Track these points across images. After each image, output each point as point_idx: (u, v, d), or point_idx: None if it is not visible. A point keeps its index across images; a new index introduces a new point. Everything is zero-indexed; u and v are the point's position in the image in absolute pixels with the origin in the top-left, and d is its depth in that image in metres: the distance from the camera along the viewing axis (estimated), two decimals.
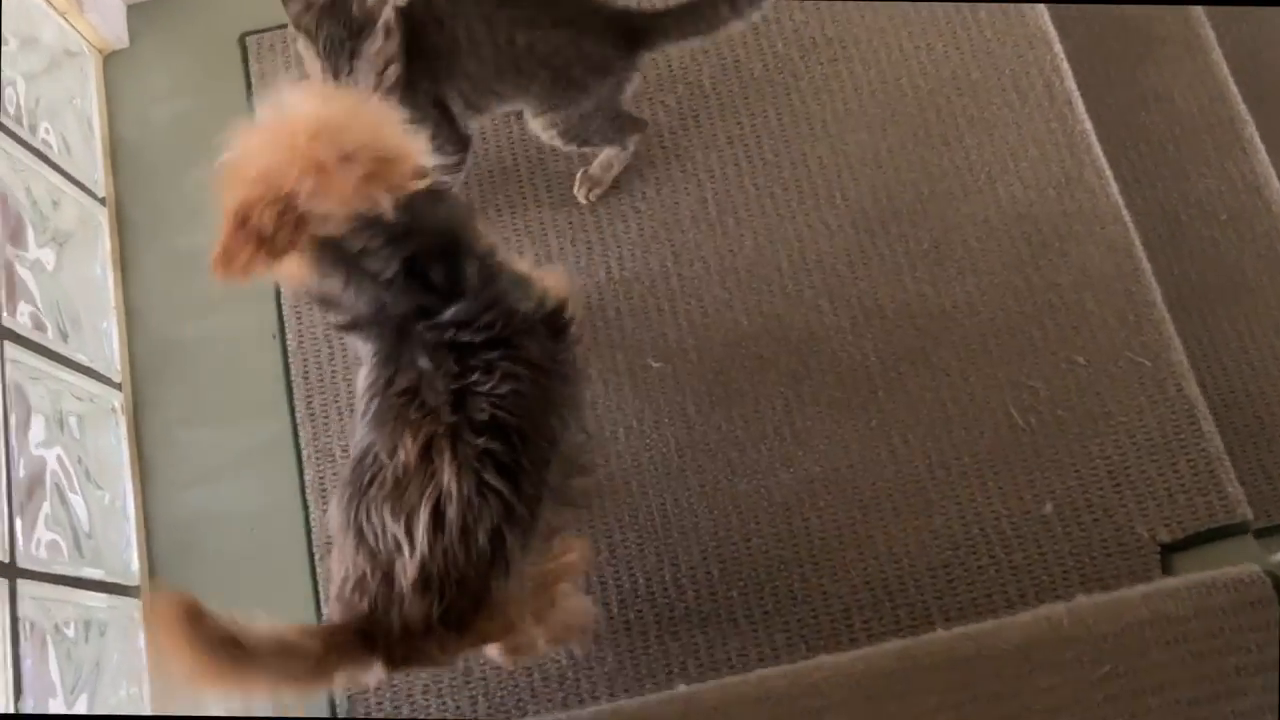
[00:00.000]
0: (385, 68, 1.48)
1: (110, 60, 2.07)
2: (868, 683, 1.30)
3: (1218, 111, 2.10)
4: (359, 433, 1.25)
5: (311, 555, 1.76)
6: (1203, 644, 1.28)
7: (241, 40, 2.06)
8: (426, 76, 1.57)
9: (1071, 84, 1.91)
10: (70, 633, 1.61)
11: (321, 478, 1.80)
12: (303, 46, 1.51)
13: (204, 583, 1.77)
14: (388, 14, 1.46)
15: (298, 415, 1.84)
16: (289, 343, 1.88)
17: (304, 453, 1.81)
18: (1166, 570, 1.63)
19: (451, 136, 1.67)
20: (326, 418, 1.83)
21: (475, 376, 1.18)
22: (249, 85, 2.03)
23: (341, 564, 1.21)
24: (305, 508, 1.79)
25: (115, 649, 1.68)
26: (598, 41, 1.60)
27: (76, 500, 1.71)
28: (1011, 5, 1.96)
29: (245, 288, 1.90)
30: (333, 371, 1.85)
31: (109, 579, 1.71)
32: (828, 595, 1.66)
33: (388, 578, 1.16)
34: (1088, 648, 1.29)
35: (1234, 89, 2.10)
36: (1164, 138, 2.09)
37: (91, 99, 2.02)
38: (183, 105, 2.05)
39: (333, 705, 1.68)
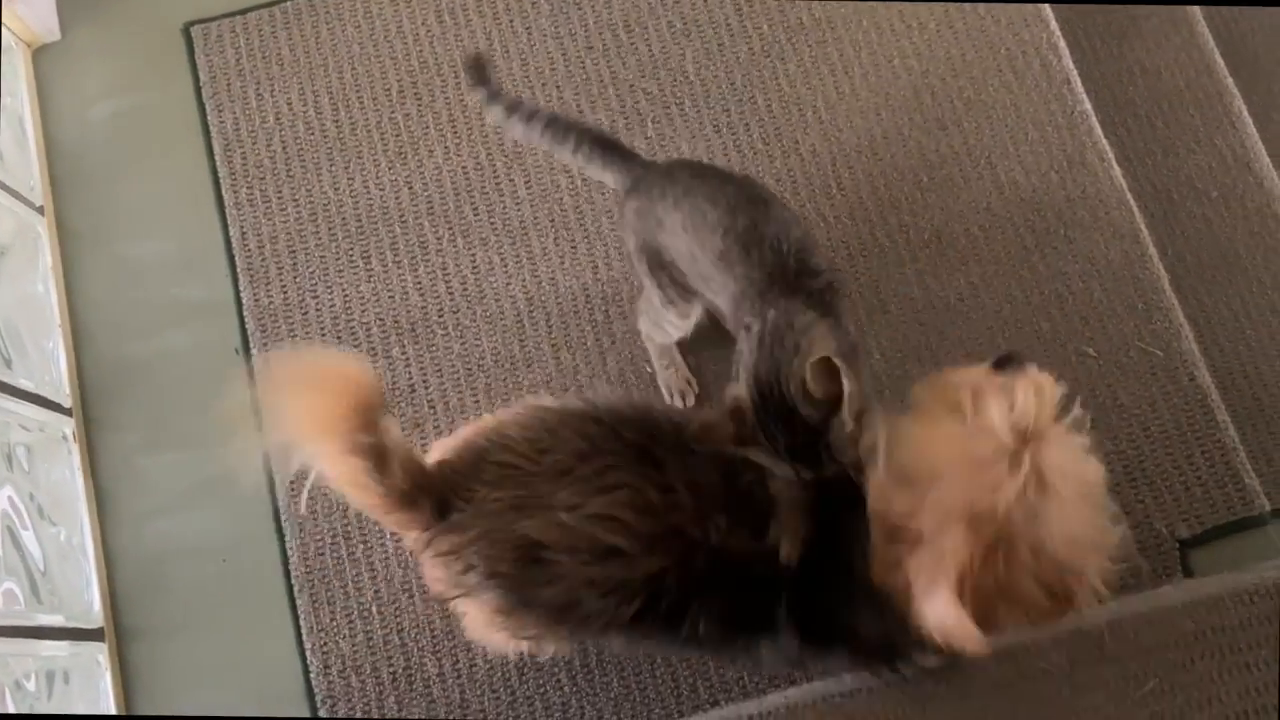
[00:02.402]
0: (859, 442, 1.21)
1: (41, 54, 1.91)
2: (906, 711, 1.23)
3: (1204, 85, 2.05)
4: None
5: (290, 584, 1.65)
6: (1250, 654, 1.23)
7: (186, 30, 1.91)
8: None
9: (1069, 62, 1.84)
10: (31, 686, 1.48)
11: (296, 502, 1.68)
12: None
13: (175, 620, 1.66)
14: (850, 392, 1.17)
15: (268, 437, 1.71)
16: (254, 359, 1.75)
17: (276, 478, 1.69)
18: (1186, 566, 1.59)
19: None
20: None
21: None
22: (196, 80, 1.88)
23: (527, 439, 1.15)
24: (280, 534, 1.67)
25: (80, 698, 1.56)
26: None
27: (29, 539, 1.57)
28: None
29: (202, 298, 1.81)
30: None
31: (69, 624, 1.58)
32: None
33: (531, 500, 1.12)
34: (1132, 665, 1.23)
35: (1220, 62, 2.05)
36: (1151, 113, 2.04)
37: (22, 98, 1.86)
38: (123, 103, 1.90)
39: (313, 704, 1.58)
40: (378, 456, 1.08)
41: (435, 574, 1.20)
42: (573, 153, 1.49)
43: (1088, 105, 1.82)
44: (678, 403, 1.64)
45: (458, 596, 1.21)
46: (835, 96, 1.83)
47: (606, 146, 1.49)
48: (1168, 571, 1.58)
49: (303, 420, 1.05)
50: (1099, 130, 1.81)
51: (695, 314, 1.52)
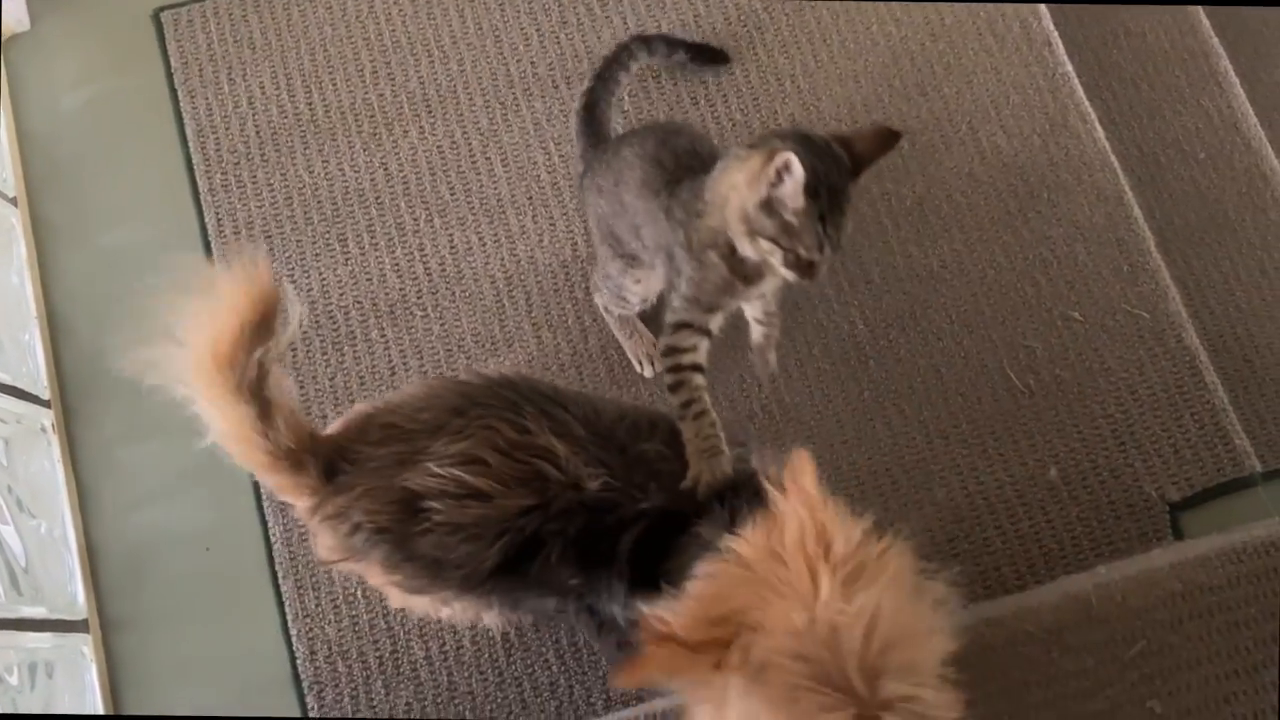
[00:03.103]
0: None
1: (10, 45, 1.88)
2: None
3: (1190, 46, 2.02)
4: None
5: (274, 570, 1.63)
6: (1238, 613, 1.22)
7: (156, 16, 1.88)
8: None
9: (1049, 24, 1.82)
10: (13, 680, 1.47)
11: None
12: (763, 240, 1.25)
13: (161, 610, 1.65)
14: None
15: None
16: None
17: None
18: (1176, 529, 1.57)
19: None
20: None
21: None
22: (168, 66, 1.86)
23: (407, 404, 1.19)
24: (263, 521, 1.65)
25: (65, 690, 1.55)
26: None
27: (9, 532, 1.56)
28: None
29: (187, 285, 1.79)
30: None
31: (52, 616, 1.56)
32: None
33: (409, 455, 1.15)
34: (1119, 626, 1.21)
35: (1205, 22, 2.03)
36: (1136, 76, 2.01)
37: None
38: (95, 91, 1.88)
39: (303, 705, 1.57)
40: (263, 405, 1.10)
41: (324, 540, 1.21)
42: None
43: (1069, 67, 1.80)
44: (646, 370, 1.65)
45: (346, 560, 1.22)
46: (814, 65, 1.81)
47: (584, 119, 1.56)
48: (1158, 535, 1.56)
49: (197, 334, 1.07)
50: (1081, 92, 1.79)
51: (655, 279, 1.52)
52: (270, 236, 1.77)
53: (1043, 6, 1.83)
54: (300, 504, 1.21)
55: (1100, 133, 1.77)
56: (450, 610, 1.39)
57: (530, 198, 1.77)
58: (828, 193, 1.21)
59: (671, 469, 1.20)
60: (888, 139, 1.29)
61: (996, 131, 1.76)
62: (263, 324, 1.08)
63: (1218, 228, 1.89)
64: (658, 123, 1.63)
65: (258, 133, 1.82)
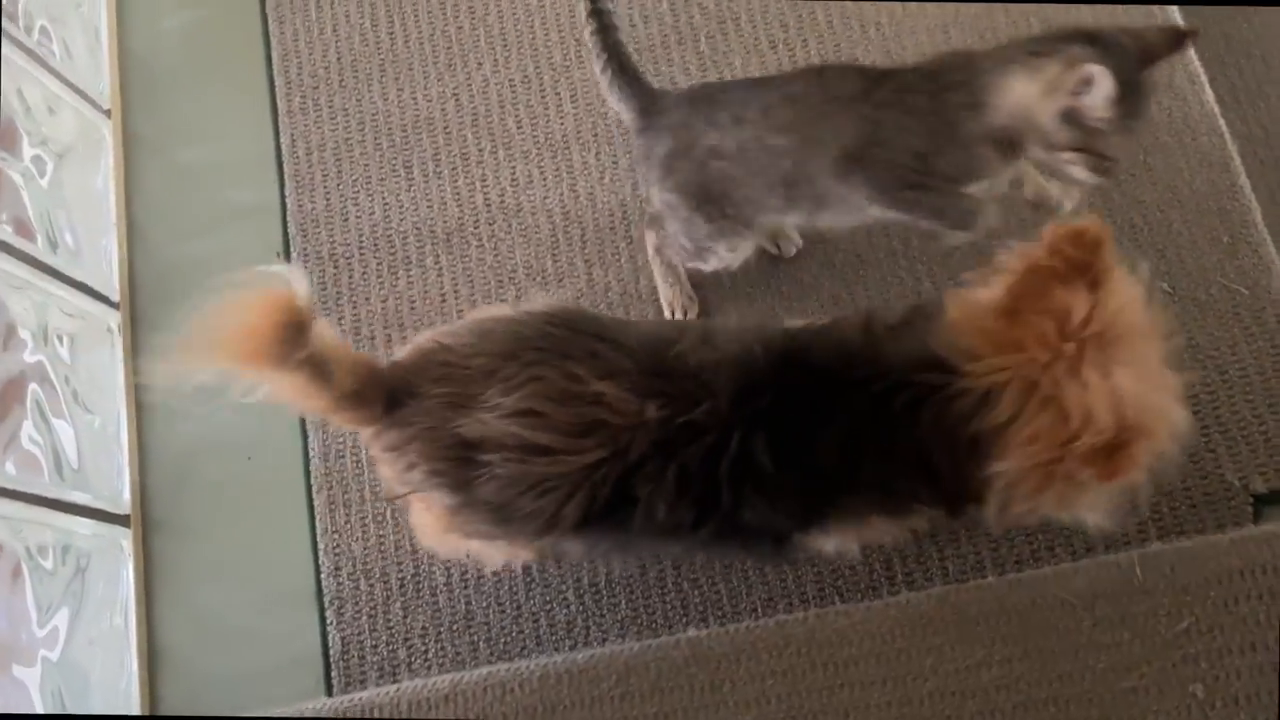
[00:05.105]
0: None
1: None
2: (902, 631, 1.13)
3: None
4: None
5: (309, 485, 1.64)
6: None
7: None
8: None
9: None
10: (47, 563, 1.51)
11: None
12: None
13: (199, 513, 1.67)
14: None
15: None
16: (294, 261, 1.75)
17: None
18: (1258, 524, 1.42)
19: None
20: None
21: None
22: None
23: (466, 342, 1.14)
24: (304, 435, 1.66)
25: (99, 580, 1.58)
26: None
27: (63, 426, 1.60)
28: None
29: (251, 202, 1.83)
30: (338, 294, 1.72)
31: (95, 504, 1.60)
32: (868, 544, 1.48)
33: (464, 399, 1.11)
34: (1165, 600, 1.09)
35: None
36: (1267, 53, 1.86)
37: (100, 6, 1.92)
38: (194, 14, 1.94)
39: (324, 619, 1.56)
40: (315, 366, 1.07)
41: (384, 471, 1.19)
42: (600, 70, 1.46)
43: (1179, 19, 1.66)
44: (678, 316, 1.58)
45: (406, 494, 1.19)
46: (901, 12, 1.72)
47: (628, 76, 1.44)
48: (1238, 527, 1.41)
49: (231, 353, 1.06)
50: (1192, 52, 1.65)
51: (746, 249, 1.48)
52: (339, 160, 1.79)
53: None
54: (363, 433, 1.19)
55: (1210, 95, 1.63)
56: (505, 554, 1.36)
57: (596, 135, 1.74)
58: (1129, 92, 1.15)
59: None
60: (1177, 39, 1.21)
61: None
62: (295, 330, 1.05)
63: None
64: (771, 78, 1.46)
65: (339, 59, 1.85)
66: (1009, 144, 1.25)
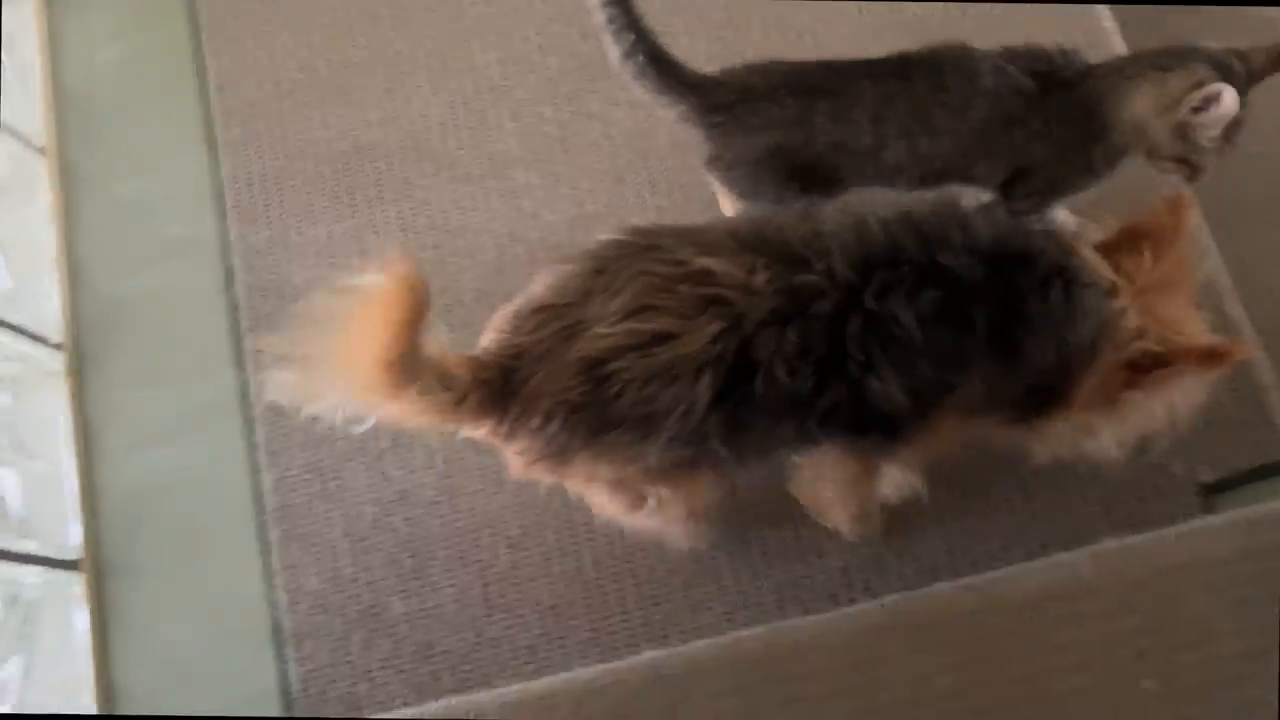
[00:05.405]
0: None
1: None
2: (856, 643, 1.13)
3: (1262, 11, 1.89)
4: None
5: (262, 521, 1.62)
6: (1249, 589, 1.09)
7: None
8: None
9: None
10: None
11: (274, 437, 1.65)
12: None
13: (153, 554, 1.65)
14: None
15: (248, 372, 1.69)
16: (238, 296, 1.74)
17: (255, 411, 1.67)
18: (1208, 514, 1.43)
19: None
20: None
21: None
22: (195, 23, 1.89)
23: (545, 286, 1.12)
24: (256, 469, 1.64)
25: (50, 628, 1.55)
26: None
27: (5, 473, 1.57)
28: None
29: (192, 236, 1.81)
30: (284, 324, 1.70)
31: (43, 553, 1.57)
32: (823, 552, 1.48)
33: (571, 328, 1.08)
34: (1115, 597, 1.10)
35: None
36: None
37: (31, 41, 1.89)
38: (128, 46, 1.92)
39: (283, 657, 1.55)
40: (442, 377, 1.05)
41: (517, 448, 1.14)
42: (625, 57, 1.32)
43: (1111, 22, 1.69)
44: None
45: (545, 461, 1.15)
46: (835, 18, 1.74)
47: (665, 63, 1.32)
48: (1187, 518, 1.42)
49: (361, 385, 1.02)
50: (1123, 49, 1.67)
51: None
52: (281, 189, 1.77)
53: None
54: (485, 430, 1.15)
55: None
56: (660, 495, 1.29)
57: (537, 154, 1.74)
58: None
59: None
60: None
61: None
62: (416, 317, 1.00)
63: (1277, 202, 1.75)
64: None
65: (276, 87, 1.83)
66: (1121, 152, 1.32)
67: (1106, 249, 1.13)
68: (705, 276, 1.06)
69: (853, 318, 1.05)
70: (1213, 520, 1.17)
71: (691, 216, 1.65)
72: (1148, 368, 1.09)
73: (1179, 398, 1.13)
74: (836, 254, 1.06)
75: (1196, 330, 1.13)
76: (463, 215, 1.72)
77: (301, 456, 1.63)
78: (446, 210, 1.72)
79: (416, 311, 0.99)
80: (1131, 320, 1.09)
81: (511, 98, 1.77)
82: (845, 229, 1.08)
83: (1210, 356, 1.08)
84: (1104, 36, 1.69)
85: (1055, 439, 1.18)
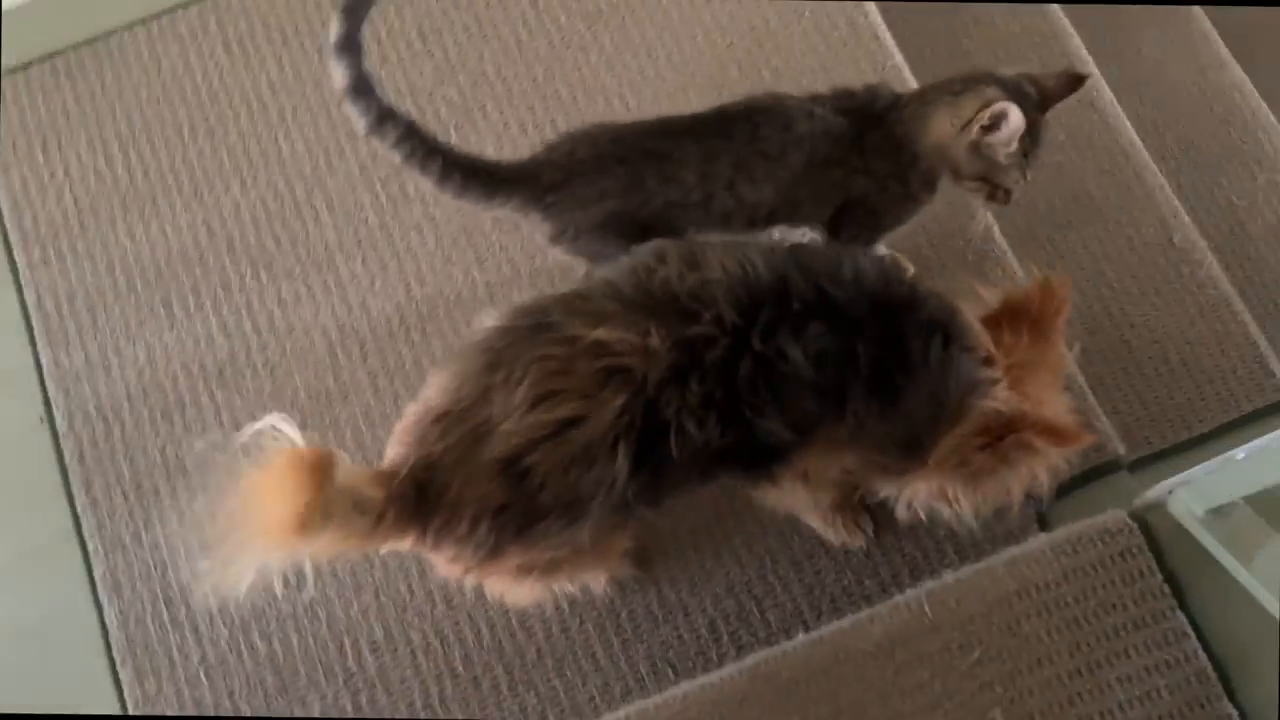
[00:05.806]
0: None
1: None
2: (720, 713, 1.14)
3: (1040, 28, 1.99)
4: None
5: (111, 658, 1.55)
6: (1075, 609, 1.15)
7: None
8: None
9: (878, 18, 1.78)
10: None
11: (114, 570, 1.58)
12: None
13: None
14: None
15: (78, 505, 1.62)
16: (59, 426, 1.66)
17: (90, 545, 1.60)
18: (1044, 524, 1.50)
19: None
20: (111, 502, 1.62)
21: None
22: None
23: (441, 390, 1.11)
24: (98, 606, 1.57)
25: None
26: None
27: None
28: None
29: (4, 370, 1.72)
30: (111, 450, 1.64)
31: None
32: (689, 611, 1.50)
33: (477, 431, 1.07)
34: (954, 633, 1.14)
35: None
36: (988, 63, 1.96)
37: None
38: None
39: None
40: (358, 503, 1.04)
41: (444, 556, 1.14)
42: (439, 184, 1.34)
43: (899, 58, 1.76)
44: None
45: (475, 565, 1.14)
46: (640, 80, 1.76)
47: (468, 163, 1.33)
48: (1024, 530, 1.49)
49: (277, 534, 0.99)
50: (914, 83, 1.74)
51: None
52: (93, 309, 1.71)
53: (871, 5, 1.79)
54: (407, 543, 1.13)
55: None
56: (585, 563, 1.31)
57: (359, 242, 1.71)
58: (1029, 131, 1.28)
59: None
60: (1073, 82, 1.36)
61: None
62: (322, 471, 1.00)
63: (1083, 209, 1.84)
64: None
65: (76, 203, 1.76)
66: (935, 176, 1.39)
67: (988, 322, 1.18)
68: (601, 349, 1.06)
69: (743, 361, 1.08)
70: (1036, 544, 1.22)
71: (522, 290, 1.66)
72: (1000, 434, 1.12)
73: (1027, 471, 1.15)
74: (722, 301, 1.08)
75: (1057, 411, 1.17)
76: (287, 314, 1.68)
77: (144, 586, 1.57)
78: (271, 311, 1.68)
79: (321, 467, 0.99)
80: (1002, 392, 1.13)
81: (325, 187, 1.74)
82: (730, 273, 1.10)
83: (1058, 434, 1.11)
84: (895, 73, 1.76)
85: (913, 493, 1.21)
